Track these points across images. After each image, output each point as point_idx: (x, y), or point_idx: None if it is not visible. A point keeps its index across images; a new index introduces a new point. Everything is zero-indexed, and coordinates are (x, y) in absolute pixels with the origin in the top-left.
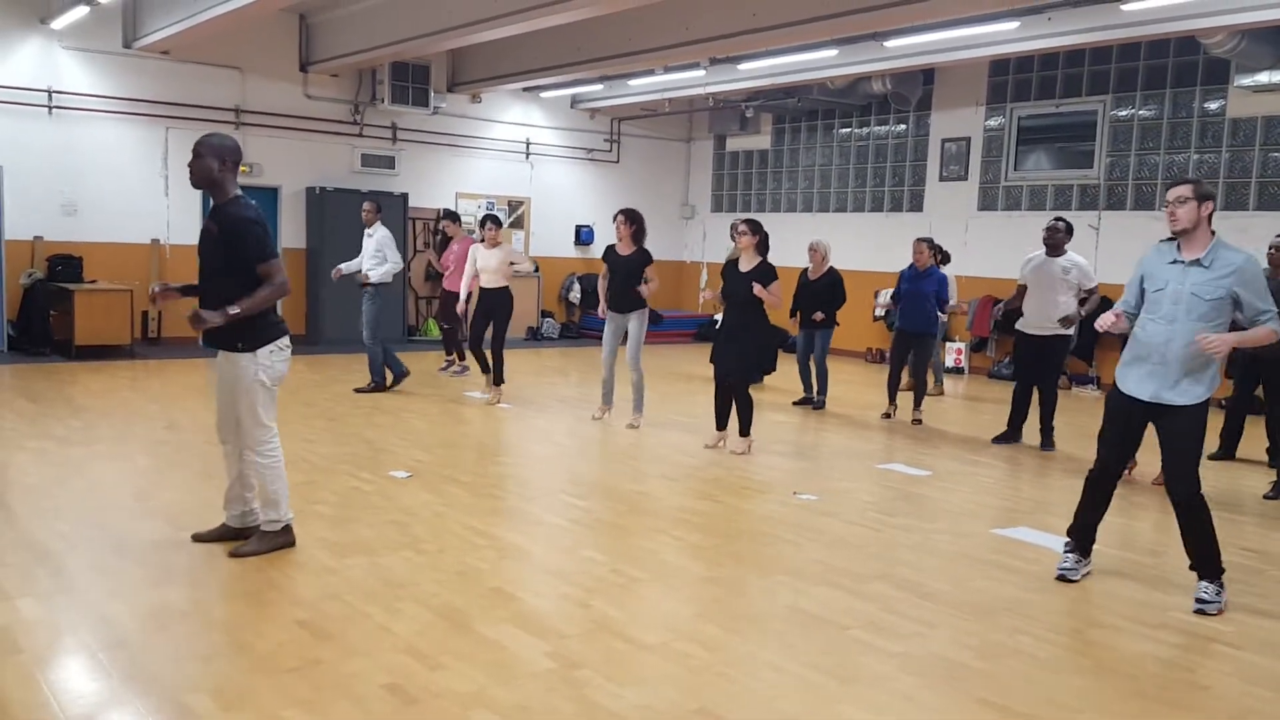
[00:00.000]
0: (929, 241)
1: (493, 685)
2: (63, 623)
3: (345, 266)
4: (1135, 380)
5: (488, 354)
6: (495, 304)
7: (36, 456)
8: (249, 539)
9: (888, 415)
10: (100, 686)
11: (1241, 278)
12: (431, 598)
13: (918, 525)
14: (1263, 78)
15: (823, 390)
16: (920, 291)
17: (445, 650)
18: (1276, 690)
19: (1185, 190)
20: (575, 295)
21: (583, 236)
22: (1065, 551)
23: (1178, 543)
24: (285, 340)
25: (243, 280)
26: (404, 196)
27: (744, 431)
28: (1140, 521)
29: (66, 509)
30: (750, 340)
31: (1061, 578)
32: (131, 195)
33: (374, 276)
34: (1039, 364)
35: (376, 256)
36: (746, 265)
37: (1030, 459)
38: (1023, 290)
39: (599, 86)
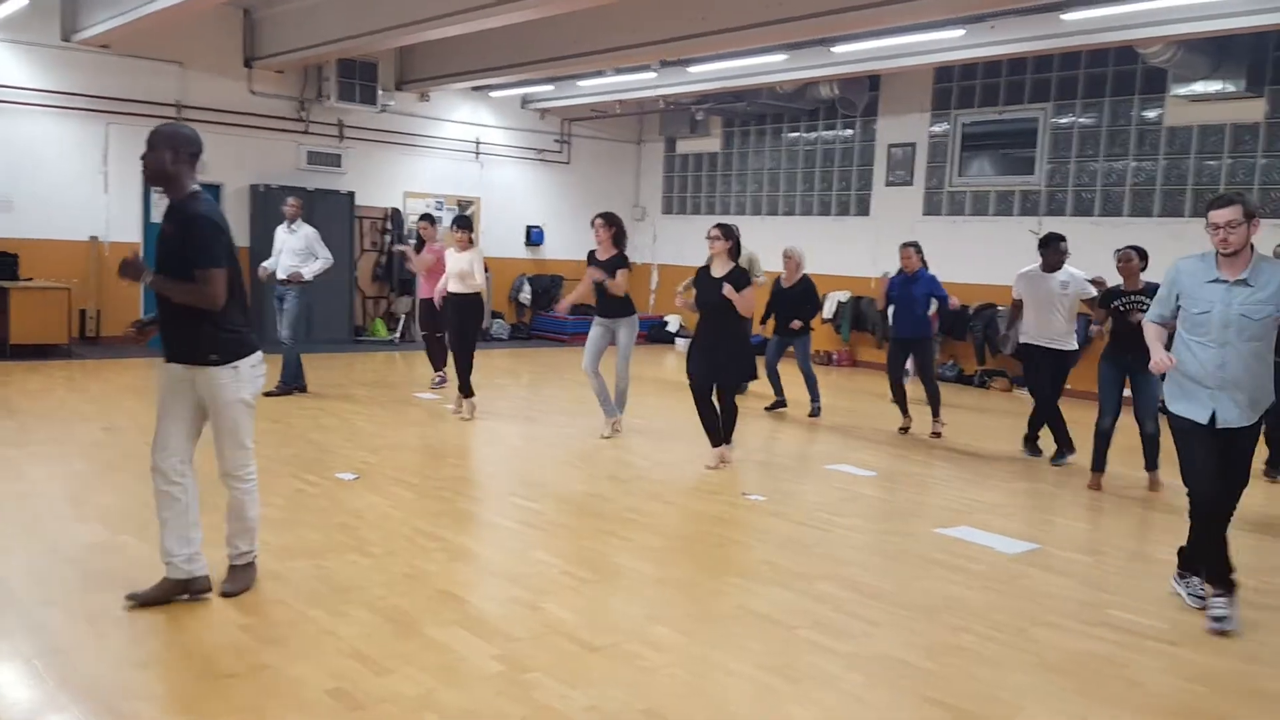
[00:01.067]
0: (915, 245)
1: (441, 689)
2: None
3: (268, 264)
4: (1186, 402)
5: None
6: (463, 311)
7: None
8: (232, 577)
9: (904, 429)
10: (36, 694)
11: None
12: (378, 601)
13: (864, 525)
14: (1198, 87)
15: (815, 397)
16: (912, 296)
17: (392, 654)
18: (1210, 685)
19: (1235, 213)
20: (525, 296)
21: (533, 237)
22: (1215, 595)
23: (1119, 545)
24: (259, 356)
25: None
26: (350, 195)
27: (725, 439)
28: (1080, 522)
29: None
30: (732, 347)
31: (1220, 631)
32: (70, 191)
33: (308, 273)
34: (1052, 374)
35: (303, 254)
36: (719, 271)
37: (972, 461)
38: (1018, 305)
39: (549, 87)
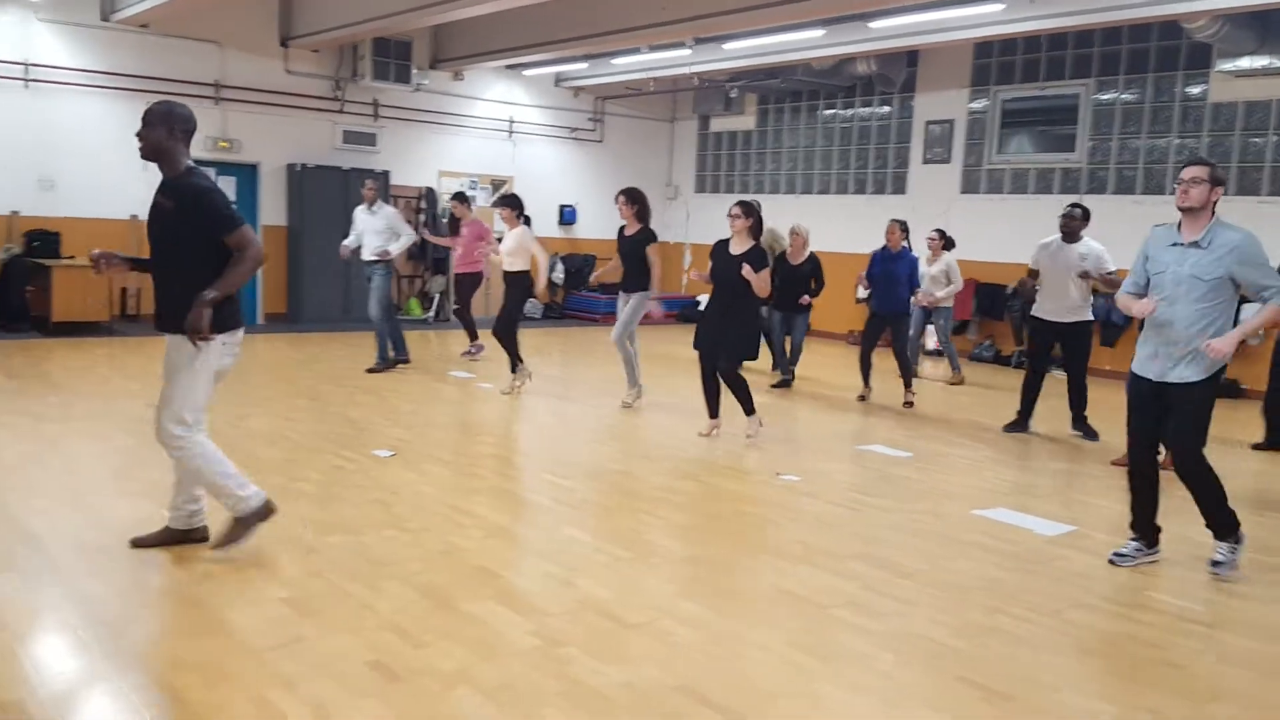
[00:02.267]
0: (901, 224)
1: (476, 663)
2: (43, 600)
3: (349, 243)
4: (1143, 361)
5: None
6: (511, 287)
7: (12, 433)
8: (224, 530)
9: (862, 398)
10: (81, 664)
11: (1240, 256)
12: (415, 576)
13: (898, 506)
14: (1244, 63)
15: (793, 363)
16: (893, 273)
17: (429, 628)
18: (1250, 668)
19: (1201, 171)
20: (559, 275)
21: (566, 216)
22: (1129, 539)
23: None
24: (240, 333)
25: (204, 257)
26: (385, 174)
27: (748, 411)
28: (1118, 504)
29: (45, 486)
30: (737, 324)
31: (1111, 562)
32: (109, 170)
33: (395, 250)
34: (1064, 352)
35: (385, 233)
36: (738, 248)
37: (1011, 442)
38: (1033, 274)
39: (583, 65)
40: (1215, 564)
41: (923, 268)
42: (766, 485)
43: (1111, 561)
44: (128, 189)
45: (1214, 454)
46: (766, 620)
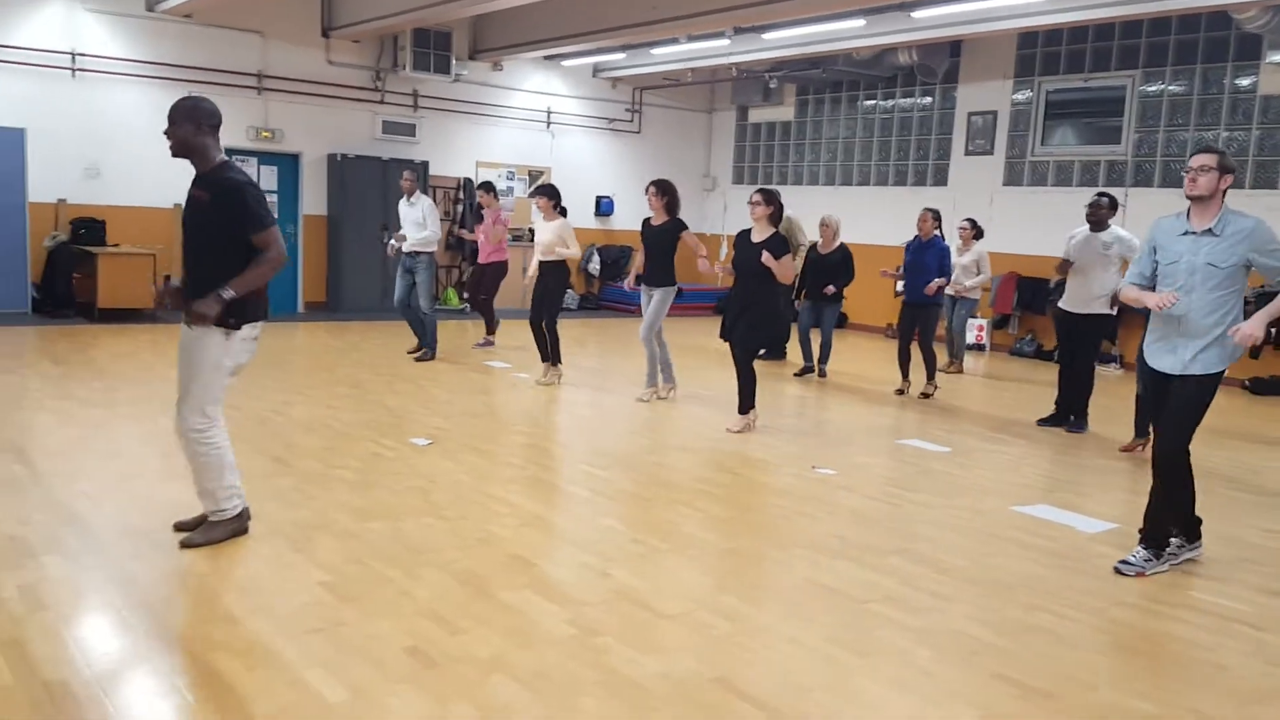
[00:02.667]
0: (934, 212)
1: (513, 650)
2: (88, 581)
3: (395, 242)
4: (1157, 354)
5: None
6: (548, 279)
7: (60, 417)
8: (197, 528)
9: (901, 391)
10: (125, 644)
11: (1254, 242)
12: (452, 563)
13: (936, 501)
14: None
15: (825, 359)
16: (922, 263)
17: (466, 615)
18: None
19: (1210, 159)
20: (595, 267)
21: (603, 207)
22: (1139, 544)
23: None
24: (260, 326)
25: (234, 252)
26: (424, 164)
27: (744, 407)
28: None
29: (90, 470)
30: (757, 313)
31: (1117, 570)
32: (154, 159)
33: (412, 242)
34: (1075, 342)
35: (420, 225)
36: (759, 236)
37: (1053, 438)
38: (1065, 265)
39: (621, 55)
40: (1126, 564)
41: (954, 258)
42: (802, 478)
43: (1119, 571)
44: (172, 178)
45: (1270, 450)
46: (803, 614)
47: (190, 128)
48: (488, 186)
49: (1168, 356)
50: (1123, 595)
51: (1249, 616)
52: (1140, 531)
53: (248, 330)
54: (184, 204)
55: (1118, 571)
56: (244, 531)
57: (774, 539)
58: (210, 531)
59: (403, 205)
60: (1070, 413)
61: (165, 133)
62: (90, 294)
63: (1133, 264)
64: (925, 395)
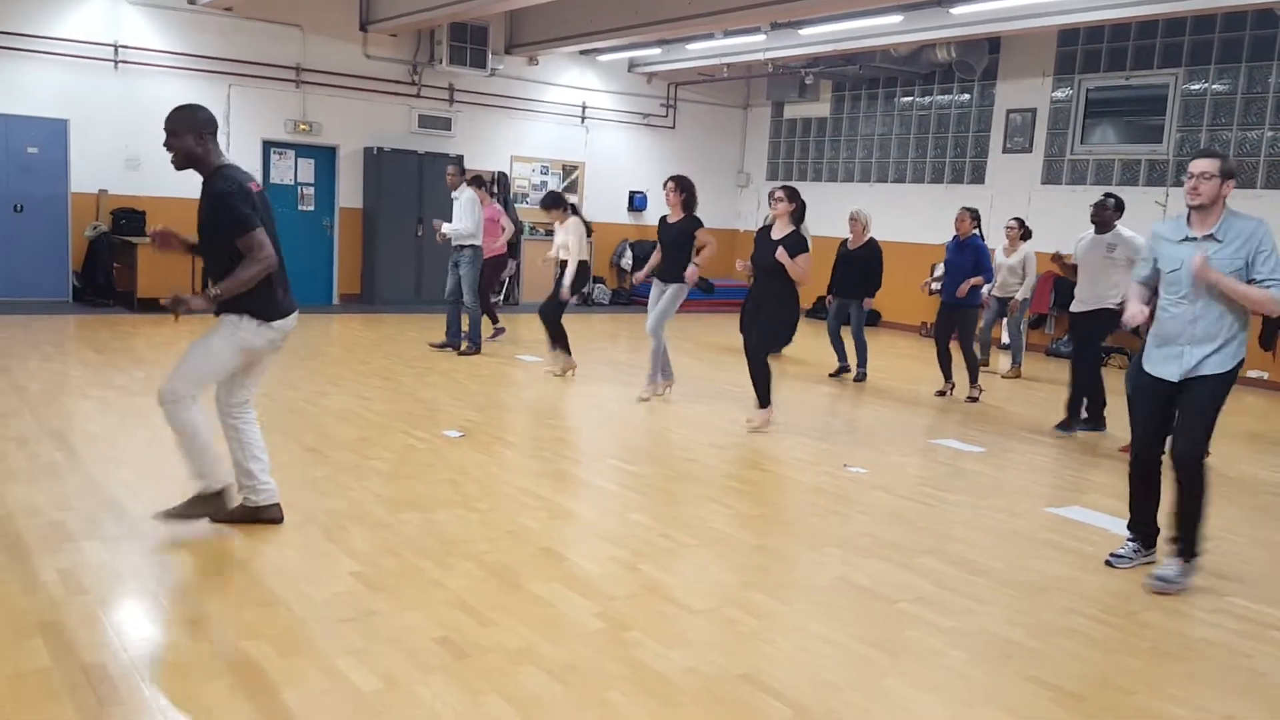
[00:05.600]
0: (972, 211)
1: (542, 642)
2: (126, 566)
3: (447, 229)
4: (1160, 361)
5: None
6: (560, 274)
7: (100, 405)
8: (181, 503)
9: (942, 393)
10: (160, 629)
11: (1254, 243)
12: (483, 555)
13: (970, 501)
14: None
15: (862, 363)
16: (959, 263)
17: (496, 607)
18: None
19: (1212, 166)
20: (627, 262)
21: (636, 203)
22: (1127, 540)
23: (1238, 531)
24: (287, 323)
25: (233, 255)
26: (460, 158)
27: (762, 402)
28: None
29: (129, 457)
30: (772, 311)
31: (1108, 563)
32: None
33: (445, 230)
34: (1090, 336)
35: (460, 218)
36: (778, 233)
37: (1085, 439)
38: (1074, 269)
39: (656, 50)
40: (1161, 579)
41: (999, 258)
42: (834, 477)
43: (1108, 563)
44: None
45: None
46: (832, 612)
47: (192, 139)
48: (478, 181)
49: (1172, 364)
50: (1158, 600)
51: None
52: (1129, 526)
53: (275, 323)
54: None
55: (1160, 592)
56: (278, 520)
57: (804, 537)
58: (192, 506)
59: (454, 199)
60: (1084, 411)
61: (165, 145)
62: (130, 284)
63: (1134, 269)
64: (971, 399)
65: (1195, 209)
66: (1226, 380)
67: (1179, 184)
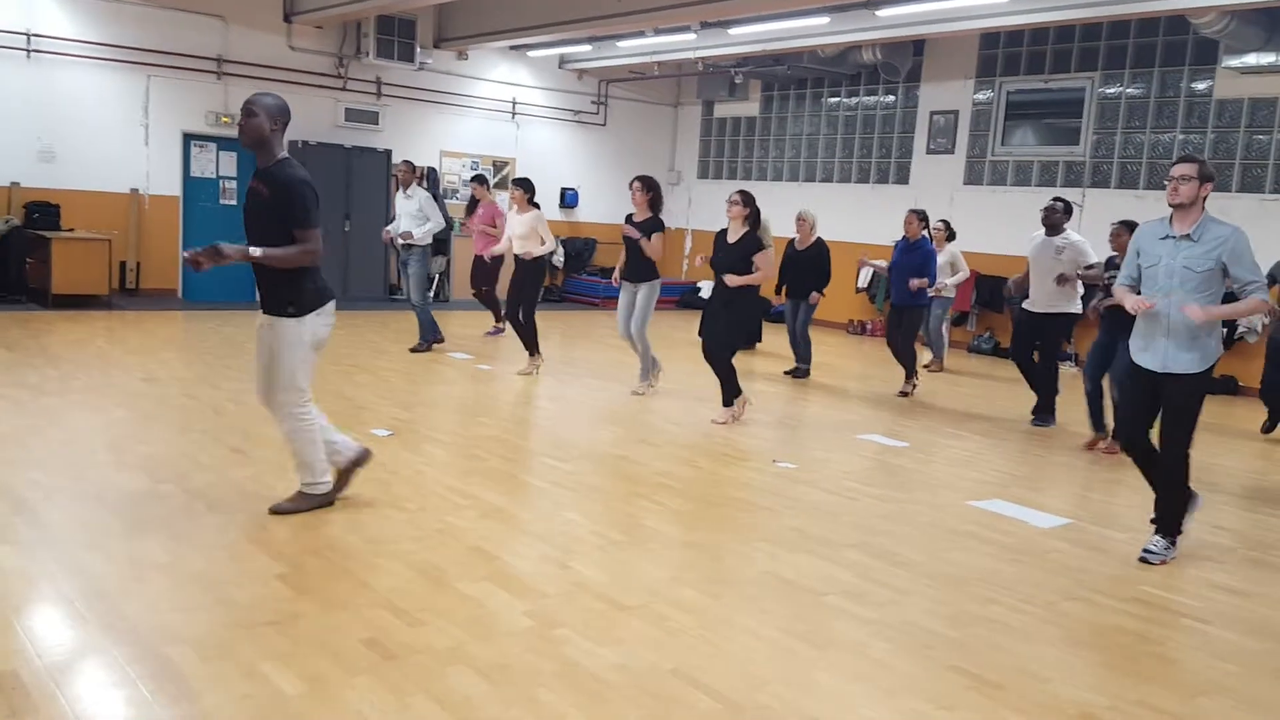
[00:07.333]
0: (919, 214)
1: (472, 642)
2: (40, 571)
3: (390, 229)
4: (1139, 351)
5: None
6: (523, 274)
7: (11, 405)
8: (290, 499)
9: (904, 394)
10: (78, 635)
11: (1229, 249)
12: (411, 555)
13: (894, 495)
14: (1250, 59)
15: (806, 359)
16: (907, 264)
17: (424, 607)
18: (1243, 665)
19: (1190, 169)
20: (558, 259)
21: (568, 199)
22: (1153, 534)
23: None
24: (331, 306)
25: (285, 241)
26: (387, 153)
27: (727, 400)
28: (1114, 497)
29: (42, 458)
30: (730, 313)
31: (1142, 559)
32: (110, 143)
33: (418, 235)
34: (1040, 340)
35: (418, 217)
36: (734, 236)
37: (1011, 433)
38: (1012, 287)
39: (587, 47)
40: (1148, 552)
41: None
42: (763, 472)
43: (1144, 560)
44: (128, 162)
45: (1215, 446)
46: (761, 606)
47: (268, 123)
48: (481, 179)
49: (1151, 355)
50: (1074, 589)
51: (1196, 610)
52: (1153, 521)
53: (324, 309)
54: (245, 200)
55: (1143, 561)
56: (331, 503)
57: (733, 532)
58: (300, 501)
59: (399, 198)
60: (1041, 405)
61: (240, 123)
62: (44, 280)
63: (1122, 268)
64: (903, 394)
65: (1176, 209)
66: (1201, 380)
67: (1095, 185)
